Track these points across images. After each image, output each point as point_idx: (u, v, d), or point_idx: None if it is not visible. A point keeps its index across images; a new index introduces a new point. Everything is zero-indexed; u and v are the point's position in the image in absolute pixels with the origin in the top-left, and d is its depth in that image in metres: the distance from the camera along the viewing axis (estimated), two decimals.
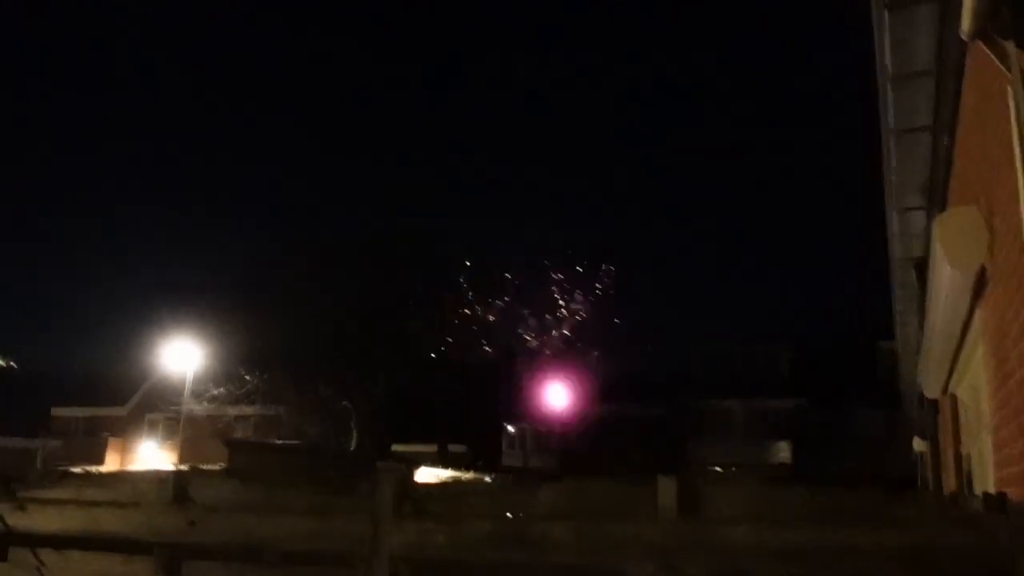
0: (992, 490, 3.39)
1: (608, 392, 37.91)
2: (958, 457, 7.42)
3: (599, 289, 30.78)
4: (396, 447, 27.85)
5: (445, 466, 19.55)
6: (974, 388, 5.75)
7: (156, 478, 4.83)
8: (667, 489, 3.70)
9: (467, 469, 19.33)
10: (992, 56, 2.38)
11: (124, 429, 42.47)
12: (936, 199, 6.17)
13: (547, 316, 30.09)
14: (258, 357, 27.58)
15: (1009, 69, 2.37)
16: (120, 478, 5.74)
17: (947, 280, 4.30)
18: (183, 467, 18.68)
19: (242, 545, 4.38)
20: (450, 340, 28.44)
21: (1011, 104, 2.45)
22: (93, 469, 29.59)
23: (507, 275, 29.51)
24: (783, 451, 33.43)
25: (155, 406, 39.75)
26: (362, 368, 27.88)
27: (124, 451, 41.31)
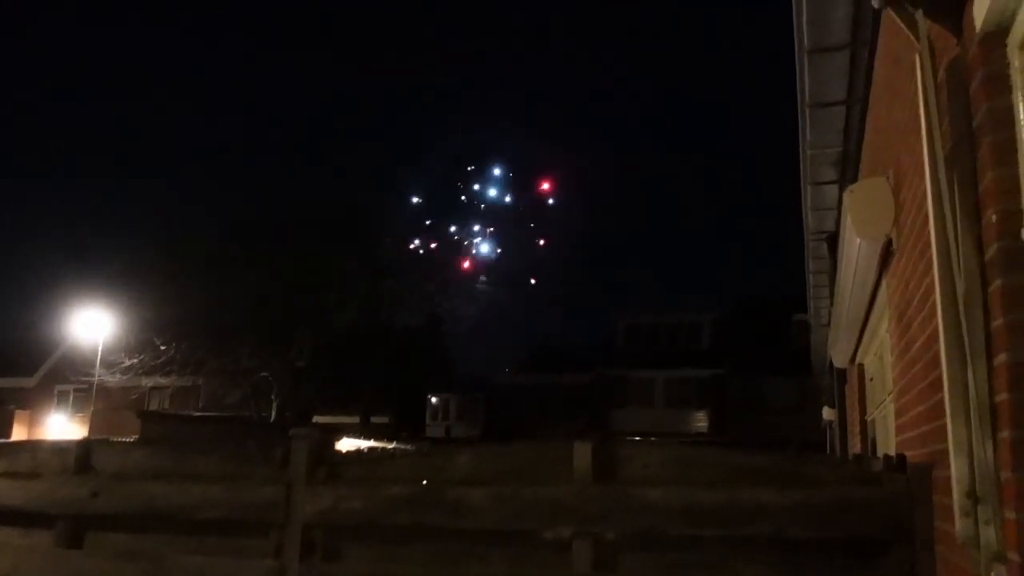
0: (893, 453, 3.52)
1: (532, 362, 38.27)
2: (863, 424, 7.72)
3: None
4: (318, 418, 27.57)
5: (367, 437, 19.45)
6: (879, 357, 5.96)
7: (57, 447, 4.58)
8: (583, 453, 3.72)
9: (390, 440, 19.26)
10: (901, 24, 2.42)
11: (32, 401, 40.78)
12: (848, 173, 6.33)
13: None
14: (175, 326, 26.82)
15: (918, 38, 2.41)
16: (19, 448, 5.43)
17: (856, 251, 4.43)
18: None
19: (150, 514, 4.25)
20: (370, 311, 28.27)
21: (918, 73, 2.50)
22: None
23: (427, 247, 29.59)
24: (700, 420, 34.37)
25: (65, 377, 38.28)
26: (283, 338, 27.42)
27: (32, 424, 39.69)
